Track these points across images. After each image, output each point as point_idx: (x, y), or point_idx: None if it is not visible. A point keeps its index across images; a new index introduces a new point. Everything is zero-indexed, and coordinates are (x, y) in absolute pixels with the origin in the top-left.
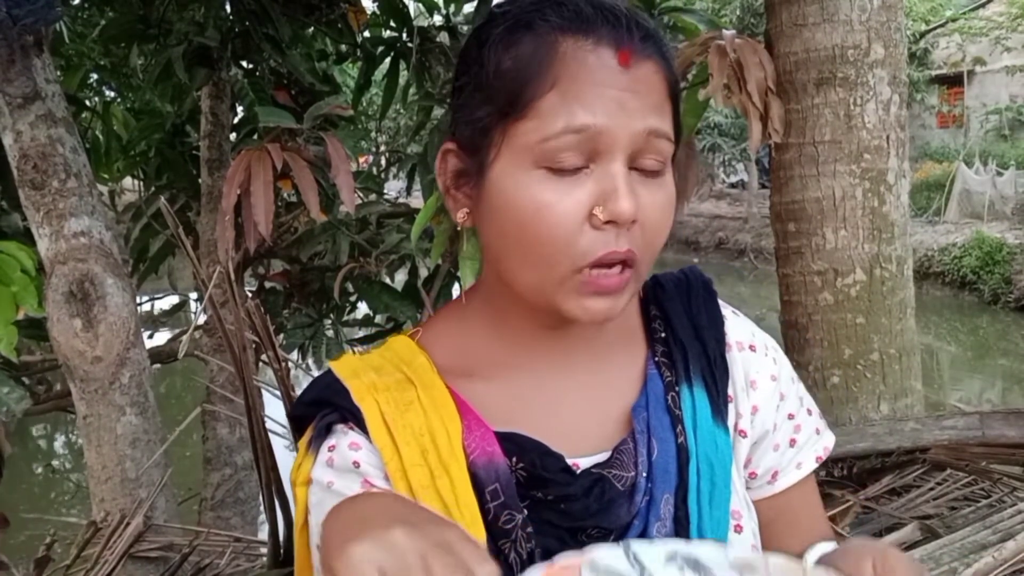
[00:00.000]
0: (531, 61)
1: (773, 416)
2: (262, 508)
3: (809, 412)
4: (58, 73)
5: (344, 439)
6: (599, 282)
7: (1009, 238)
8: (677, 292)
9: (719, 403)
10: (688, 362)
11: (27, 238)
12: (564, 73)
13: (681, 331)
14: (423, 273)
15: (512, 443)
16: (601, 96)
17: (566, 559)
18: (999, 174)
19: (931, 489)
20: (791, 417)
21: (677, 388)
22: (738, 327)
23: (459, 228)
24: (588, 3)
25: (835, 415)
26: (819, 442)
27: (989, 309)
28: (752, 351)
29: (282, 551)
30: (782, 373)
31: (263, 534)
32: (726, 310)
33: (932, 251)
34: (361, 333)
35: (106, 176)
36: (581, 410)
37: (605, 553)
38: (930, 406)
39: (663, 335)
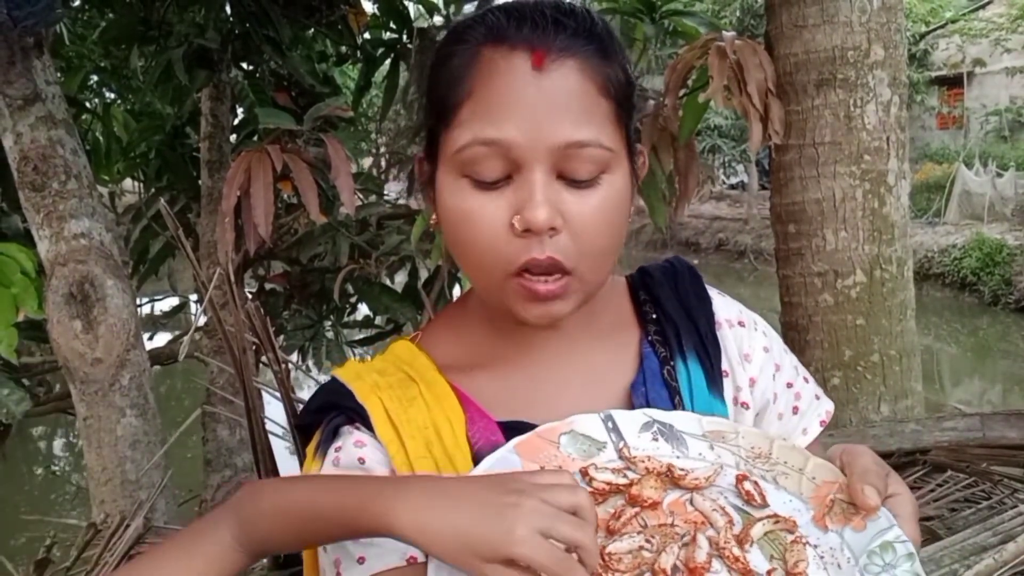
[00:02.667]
0: (455, 70)
1: (772, 386)
2: None
3: (806, 380)
4: (58, 75)
5: (350, 439)
6: (532, 288)
7: (1009, 239)
8: (665, 278)
9: (714, 375)
10: (681, 338)
11: (27, 240)
12: (479, 82)
13: (672, 311)
14: (423, 275)
15: (516, 431)
16: (512, 109)
17: (548, 426)
18: (999, 175)
19: (931, 491)
20: (790, 386)
21: (672, 362)
22: (726, 306)
23: (432, 230)
24: (516, 6)
25: (835, 417)
26: (820, 407)
27: (989, 310)
28: (742, 326)
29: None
30: (774, 345)
31: None
32: (712, 291)
33: (932, 252)
34: (361, 335)
35: (106, 178)
36: (581, 394)
37: (585, 420)
38: (930, 407)
39: (654, 316)
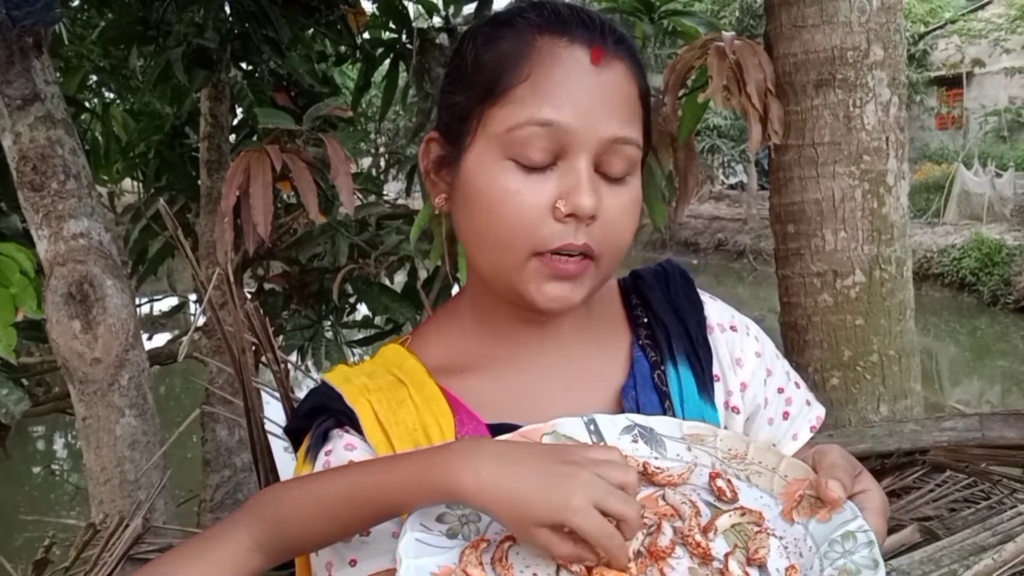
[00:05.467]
0: (509, 53)
1: (763, 391)
2: None
3: (797, 385)
4: (57, 75)
5: (340, 442)
6: (557, 265)
7: (1008, 239)
8: (656, 281)
9: (704, 380)
10: (671, 342)
11: (26, 240)
12: (539, 66)
13: (663, 314)
14: (422, 275)
15: (504, 434)
16: (570, 96)
17: (530, 427)
18: (998, 175)
19: (930, 491)
20: (781, 391)
21: (663, 367)
22: (717, 310)
23: (436, 212)
24: (565, 6)
25: (834, 417)
26: (811, 412)
27: (988, 310)
28: (734, 331)
29: None
30: (766, 350)
31: None
32: (704, 295)
33: (931, 252)
34: (360, 335)
35: (105, 178)
36: (571, 396)
37: (567, 423)
38: (930, 408)
39: (646, 320)
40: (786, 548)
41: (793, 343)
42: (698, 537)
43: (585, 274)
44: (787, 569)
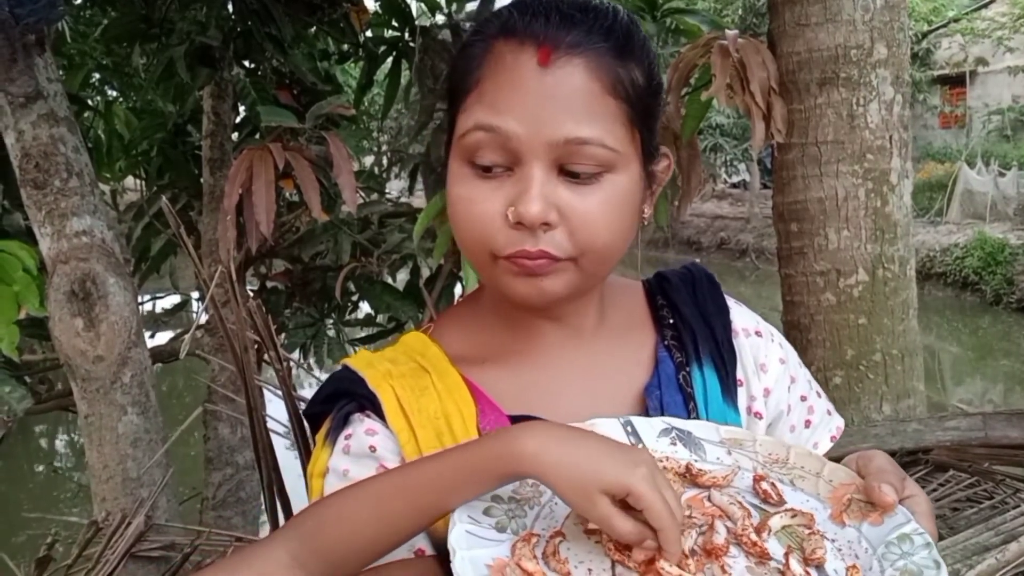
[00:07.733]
0: (468, 60)
1: (786, 398)
2: (263, 507)
3: (819, 395)
4: (60, 72)
5: (360, 426)
6: (518, 262)
7: (1011, 239)
8: (682, 284)
9: (728, 383)
10: (697, 344)
11: (29, 237)
12: (487, 72)
13: (689, 316)
14: (425, 273)
15: None
16: (515, 100)
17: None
18: (1001, 175)
19: (934, 490)
20: (803, 399)
21: (688, 368)
22: (743, 315)
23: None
24: (530, 4)
25: None
26: (831, 422)
27: (991, 310)
28: (759, 336)
29: None
30: (790, 357)
31: (264, 533)
32: (730, 300)
33: (934, 252)
34: (363, 333)
35: (108, 175)
36: (594, 393)
37: (605, 424)
38: (932, 407)
39: (671, 321)
40: (840, 550)
41: (796, 342)
42: (753, 536)
43: (555, 268)
44: (849, 569)
